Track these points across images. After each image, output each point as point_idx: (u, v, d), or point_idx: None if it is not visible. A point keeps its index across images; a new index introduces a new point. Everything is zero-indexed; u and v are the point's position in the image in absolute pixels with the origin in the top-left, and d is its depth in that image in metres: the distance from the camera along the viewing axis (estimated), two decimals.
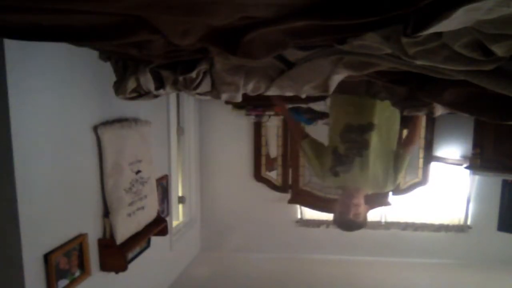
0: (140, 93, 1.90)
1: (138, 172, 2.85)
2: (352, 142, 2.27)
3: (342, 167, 2.29)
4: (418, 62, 1.04)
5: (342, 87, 1.92)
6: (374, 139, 2.28)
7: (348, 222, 2.34)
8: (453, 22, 0.79)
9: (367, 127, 2.28)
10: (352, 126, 2.30)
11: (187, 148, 4.37)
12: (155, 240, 3.28)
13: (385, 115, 2.31)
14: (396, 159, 2.37)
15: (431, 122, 4.18)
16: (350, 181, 2.33)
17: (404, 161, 2.39)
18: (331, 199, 4.48)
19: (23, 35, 1.24)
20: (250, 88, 1.75)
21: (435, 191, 4.38)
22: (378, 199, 4.38)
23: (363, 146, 2.27)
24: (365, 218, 2.40)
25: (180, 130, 4.25)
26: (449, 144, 4.27)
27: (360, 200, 2.34)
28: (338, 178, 2.33)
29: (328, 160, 2.34)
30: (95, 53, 1.86)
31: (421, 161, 4.30)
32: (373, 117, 2.28)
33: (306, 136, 2.54)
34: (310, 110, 3.42)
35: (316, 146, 2.47)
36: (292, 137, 2.57)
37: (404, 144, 2.47)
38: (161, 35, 1.15)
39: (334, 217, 2.43)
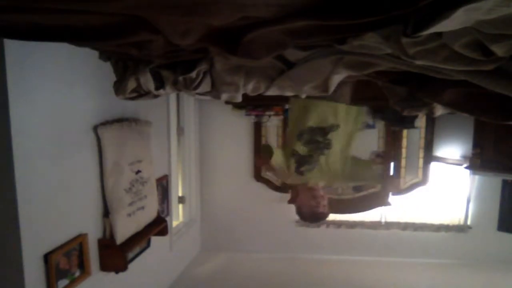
0: (140, 93, 1.90)
1: (138, 172, 2.85)
2: (315, 143, 2.41)
3: (307, 166, 2.42)
4: (418, 62, 1.04)
5: None
6: (337, 138, 2.43)
7: (318, 215, 2.44)
8: (453, 22, 0.79)
9: (330, 128, 2.43)
10: (313, 128, 2.42)
11: (187, 148, 4.37)
12: (155, 240, 3.27)
13: (348, 114, 2.47)
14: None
15: (431, 122, 4.18)
16: (315, 178, 2.45)
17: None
18: (331, 199, 4.49)
19: (23, 35, 1.24)
20: (250, 88, 1.75)
21: (435, 191, 4.38)
22: (378, 199, 4.39)
23: (326, 146, 2.42)
24: (329, 208, 2.51)
25: (180, 130, 4.25)
26: (449, 144, 4.27)
27: (322, 191, 2.46)
28: (304, 177, 2.44)
29: (291, 163, 2.45)
30: (95, 53, 1.86)
31: (421, 161, 4.30)
32: (337, 119, 2.42)
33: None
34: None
35: (280, 156, 2.56)
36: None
37: None
38: (161, 35, 1.15)
39: (302, 211, 2.49)
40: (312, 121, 2.43)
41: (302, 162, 2.43)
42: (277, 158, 2.50)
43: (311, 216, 2.49)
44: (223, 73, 1.67)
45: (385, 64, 1.32)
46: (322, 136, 2.44)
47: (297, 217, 4.61)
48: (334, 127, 2.45)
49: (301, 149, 2.43)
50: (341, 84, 1.96)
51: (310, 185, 2.46)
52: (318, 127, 2.44)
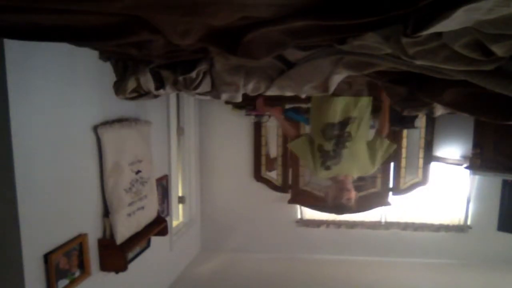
0: (140, 93, 1.90)
1: (138, 172, 2.85)
2: (337, 137, 2.53)
3: (332, 161, 2.54)
4: (418, 62, 1.04)
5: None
6: (354, 128, 2.55)
7: (341, 205, 2.57)
8: (453, 22, 0.79)
9: (347, 121, 2.55)
10: (334, 124, 2.53)
11: (187, 148, 4.37)
12: (155, 240, 3.27)
13: (362, 107, 2.60)
14: (379, 144, 2.66)
15: (431, 122, 4.18)
16: (341, 171, 2.57)
17: (384, 144, 2.68)
18: None
19: (23, 35, 1.24)
20: (250, 88, 1.76)
21: (435, 191, 4.38)
22: (378, 199, 4.39)
23: (347, 138, 2.54)
24: (356, 202, 2.63)
25: (180, 130, 4.25)
26: (449, 144, 4.27)
27: (350, 186, 2.59)
28: (330, 171, 2.57)
29: (317, 159, 2.58)
30: (95, 53, 1.86)
31: (421, 161, 4.30)
32: (353, 112, 2.55)
33: (297, 136, 2.74)
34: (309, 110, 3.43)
35: (304, 146, 2.67)
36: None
37: (379, 131, 2.73)
38: (161, 35, 1.15)
39: (328, 202, 2.65)
40: (336, 116, 2.52)
41: (327, 157, 2.54)
42: (305, 154, 2.63)
43: (333, 206, 2.61)
44: (223, 73, 1.68)
45: (385, 64, 1.32)
46: (341, 130, 2.55)
47: (297, 217, 4.69)
48: (351, 119, 2.57)
49: (325, 144, 2.54)
50: (355, 78, 2.01)
51: (341, 178, 2.58)
52: (338, 122, 2.54)
